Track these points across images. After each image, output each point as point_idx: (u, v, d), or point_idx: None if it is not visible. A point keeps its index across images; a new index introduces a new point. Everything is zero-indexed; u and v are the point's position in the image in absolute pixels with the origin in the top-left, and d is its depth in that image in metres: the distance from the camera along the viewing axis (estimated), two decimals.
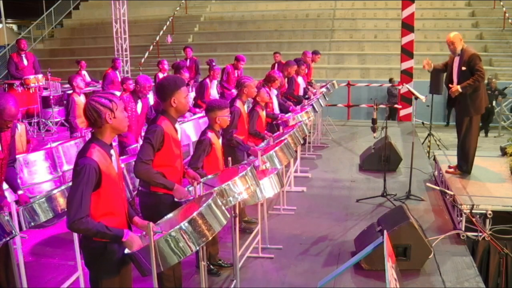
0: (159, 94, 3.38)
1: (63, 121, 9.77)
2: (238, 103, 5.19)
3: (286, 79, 8.08)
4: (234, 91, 9.25)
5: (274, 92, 6.90)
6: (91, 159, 2.57)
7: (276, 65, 10.20)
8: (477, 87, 5.74)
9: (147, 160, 3.26)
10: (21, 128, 5.29)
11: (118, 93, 8.36)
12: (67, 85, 8.38)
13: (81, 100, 6.79)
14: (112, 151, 2.74)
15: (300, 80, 8.55)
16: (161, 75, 9.32)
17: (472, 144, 5.92)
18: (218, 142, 4.08)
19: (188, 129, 6.34)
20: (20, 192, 3.79)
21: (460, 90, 5.69)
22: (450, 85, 5.90)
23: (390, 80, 13.48)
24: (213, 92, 8.34)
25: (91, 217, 2.59)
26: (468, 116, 5.86)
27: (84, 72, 10.98)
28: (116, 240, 2.65)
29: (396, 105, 11.55)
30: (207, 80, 8.24)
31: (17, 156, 4.83)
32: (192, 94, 8.85)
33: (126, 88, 7.32)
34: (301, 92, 8.54)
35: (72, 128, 6.71)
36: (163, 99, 3.36)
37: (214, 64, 8.44)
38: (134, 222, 2.92)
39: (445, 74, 6.16)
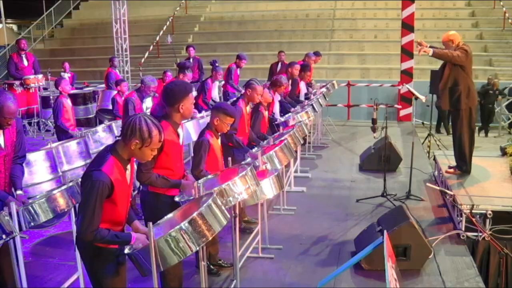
0: (167, 98, 3.35)
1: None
2: (241, 103, 5.19)
3: (290, 81, 8.09)
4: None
5: (277, 97, 6.90)
6: (105, 175, 2.56)
7: (280, 64, 10.19)
8: (457, 82, 5.69)
9: (146, 169, 3.30)
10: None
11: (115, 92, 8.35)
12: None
13: (68, 103, 6.73)
14: (128, 166, 2.74)
15: (302, 85, 8.53)
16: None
17: (465, 142, 5.87)
18: (216, 142, 4.07)
19: (189, 129, 6.34)
20: (19, 192, 3.78)
21: (430, 52, 5.53)
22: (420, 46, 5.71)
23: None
24: (215, 93, 8.31)
25: None
26: (459, 115, 5.83)
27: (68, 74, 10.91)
28: (125, 244, 2.67)
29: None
30: (209, 80, 8.23)
31: None
32: (193, 94, 8.82)
33: (121, 91, 7.36)
34: (301, 98, 8.51)
35: (61, 132, 6.56)
36: (170, 104, 3.33)
37: (217, 65, 8.40)
38: (133, 226, 2.92)
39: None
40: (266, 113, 5.81)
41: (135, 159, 2.82)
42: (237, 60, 9.45)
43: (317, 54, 9.93)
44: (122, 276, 2.84)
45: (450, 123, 6.30)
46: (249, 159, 4.79)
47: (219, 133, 4.12)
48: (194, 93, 8.71)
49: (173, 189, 3.42)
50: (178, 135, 3.43)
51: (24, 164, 3.88)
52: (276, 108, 6.98)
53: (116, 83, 7.84)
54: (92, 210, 2.54)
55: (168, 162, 3.38)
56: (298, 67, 7.99)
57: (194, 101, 3.42)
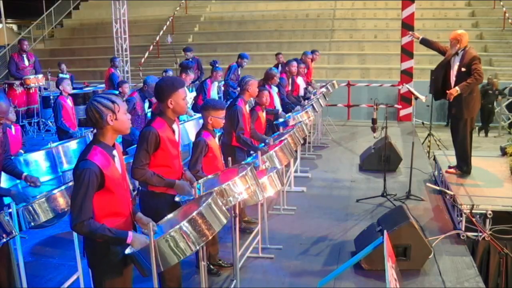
0: (157, 95, 3.40)
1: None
2: (241, 103, 5.17)
3: (290, 80, 8.09)
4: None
5: (274, 90, 6.88)
6: (92, 162, 2.56)
7: (280, 66, 10.21)
8: (472, 89, 5.71)
9: (141, 166, 3.30)
10: (14, 129, 5.31)
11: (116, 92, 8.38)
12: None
13: (69, 103, 6.74)
14: (114, 152, 2.73)
15: (300, 80, 8.54)
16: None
17: (468, 145, 5.91)
18: (214, 141, 4.06)
19: (189, 129, 6.34)
20: (24, 174, 3.86)
21: (458, 91, 5.59)
22: (447, 91, 5.74)
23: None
24: (213, 93, 8.32)
25: (95, 218, 2.59)
26: (463, 119, 5.84)
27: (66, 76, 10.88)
28: (120, 242, 2.64)
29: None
30: (208, 81, 8.24)
31: (17, 157, 4.85)
32: (193, 94, 8.84)
33: (122, 92, 7.37)
34: (301, 93, 8.53)
35: (62, 133, 6.57)
36: (160, 100, 3.38)
37: (217, 65, 8.41)
38: (137, 218, 2.91)
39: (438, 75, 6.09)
40: (263, 114, 5.76)
41: (125, 158, 2.81)
42: (239, 59, 9.48)
43: (313, 51, 9.94)
44: (126, 277, 2.82)
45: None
46: (249, 159, 4.79)
47: (217, 130, 4.13)
48: (194, 93, 8.75)
49: (172, 188, 3.41)
50: (173, 131, 3.43)
51: (23, 164, 3.95)
52: (277, 101, 6.96)
53: (118, 85, 7.88)
54: (80, 200, 2.52)
55: (165, 159, 3.39)
56: (295, 64, 8.02)
57: (185, 97, 3.41)
